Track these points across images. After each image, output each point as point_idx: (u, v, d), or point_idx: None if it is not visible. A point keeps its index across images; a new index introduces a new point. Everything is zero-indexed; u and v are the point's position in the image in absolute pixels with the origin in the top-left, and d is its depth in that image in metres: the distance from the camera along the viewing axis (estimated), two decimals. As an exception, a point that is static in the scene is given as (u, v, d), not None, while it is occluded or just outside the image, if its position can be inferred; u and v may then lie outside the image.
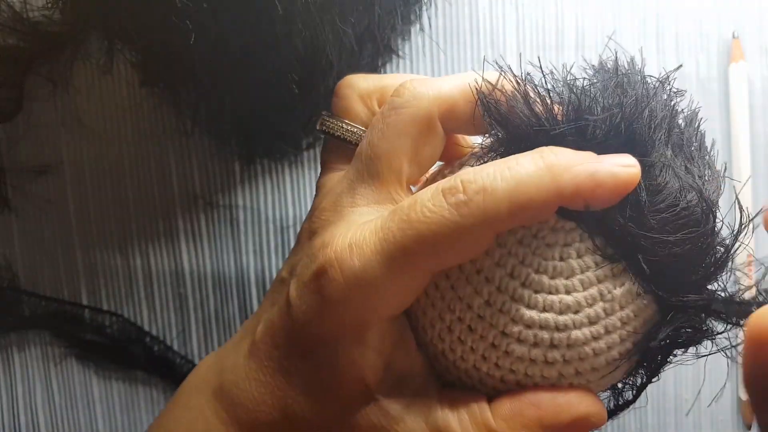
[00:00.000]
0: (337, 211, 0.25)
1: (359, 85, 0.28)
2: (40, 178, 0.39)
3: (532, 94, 0.24)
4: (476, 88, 0.24)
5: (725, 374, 0.39)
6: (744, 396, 0.40)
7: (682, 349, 0.25)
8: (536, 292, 0.23)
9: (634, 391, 0.27)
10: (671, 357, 0.25)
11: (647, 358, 0.25)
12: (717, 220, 0.23)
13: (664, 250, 0.22)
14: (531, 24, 0.40)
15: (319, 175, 0.29)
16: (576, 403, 0.24)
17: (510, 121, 0.24)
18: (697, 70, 0.40)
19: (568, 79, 0.24)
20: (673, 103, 0.24)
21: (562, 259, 0.23)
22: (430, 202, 0.22)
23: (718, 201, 0.24)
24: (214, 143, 0.39)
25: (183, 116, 0.38)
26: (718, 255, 0.23)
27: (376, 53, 0.37)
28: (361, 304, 0.23)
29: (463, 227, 0.22)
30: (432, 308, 0.25)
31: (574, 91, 0.23)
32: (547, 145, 0.23)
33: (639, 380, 0.26)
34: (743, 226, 0.24)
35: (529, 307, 0.23)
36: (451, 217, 0.22)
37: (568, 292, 0.23)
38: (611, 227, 0.23)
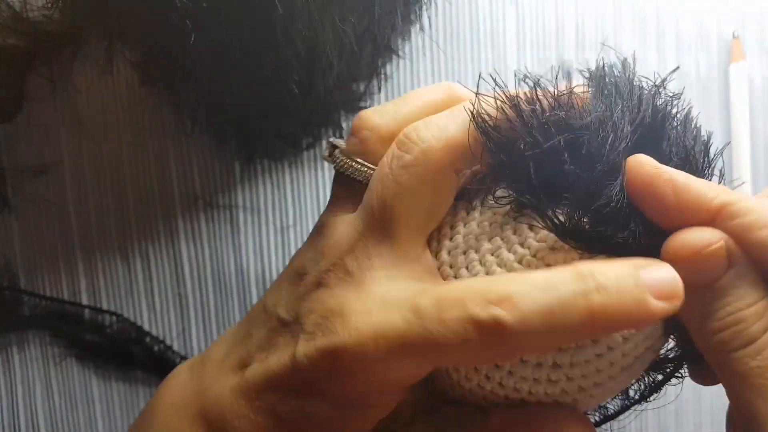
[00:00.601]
0: (350, 272, 0.24)
1: (378, 124, 0.26)
2: (40, 178, 0.39)
3: (525, 112, 0.23)
4: (471, 112, 0.23)
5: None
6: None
7: (684, 365, 0.25)
8: None
9: (640, 395, 0.27)
10: (675, 372, 0.25)
11: (651, 369, 0.25)
12: None
13: None
14: (531, 24, 0.40)
15: (326, 209, 0.28)
16: (566, 428, 0.24)
17: (506, 142, 0.23)
18: (697, 70, 0.40)
19: (557, 94, 0.23)
20: (668, 107, 0.24)
21: None
22: (460, 326, 0.21)
23: None
24: (214, 143, 0.39)
25: (183, 116, 0.38)
26: None
27: (376, 53, 0.37)
28: (378, 387, 0.23)
29: (489, 352, 0.21)
30: None
31: (562, 105, 0.23)
32: (538, 162, 0.22)
33: (641, 387, 0.26)
34: None
35: None
36: (479, 348, 0.21)
37: None
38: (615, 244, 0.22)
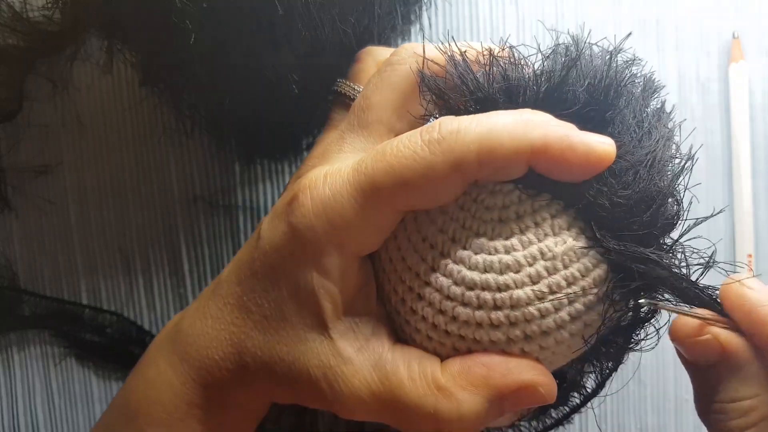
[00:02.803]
0: (323, 157, 0.26)
1: (379, 53, 0.30)
2: (40, 178, 0.39)
3: (462, 65, 0.24)
4: (418, 69, 0.25)
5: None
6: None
7: (641, 326, 0.24)
8: (476, 253, 0.23)
9: (601, 375, 0.27)
10: (632, 335, 0.25)
11: (607, 332, 0.24)
12: (668, 177, 0.23)
13: (611, 198, 0.22)
14: (531, 24, 0.40)
15: (321, 133, 0.30)
16: (526, 369, 0.23)
17: (445, 92, 0.25)
18: (697, 70, 0.40)
19: (499, 49, 0.25)
20: (615, 65, 0.24)
21: (501, 220, 0.24)
22: (407, 138, 0.23)
23: (670, 157, 0.24)
24: (214, 143, 0.39)
25: (183, 116, 0.37)
26: (668, 208, 0.23)
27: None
28: (326, 232, 0.23)
29: (432, 165, 0.22)
30: (388, 282, 0.25)
31: (499, 60, 0.24)
32: (479, 112, 0.24)
33: (604, 361, 0.26)
34: (684, 168, 0.24)
35: (470, 268, 0.23)
36: (422, 153, 0.22)
37: (507, 252, 0.23)
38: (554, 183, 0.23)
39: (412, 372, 0.24)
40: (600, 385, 0.27)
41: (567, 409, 0.28)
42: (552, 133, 0.22)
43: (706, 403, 0.24)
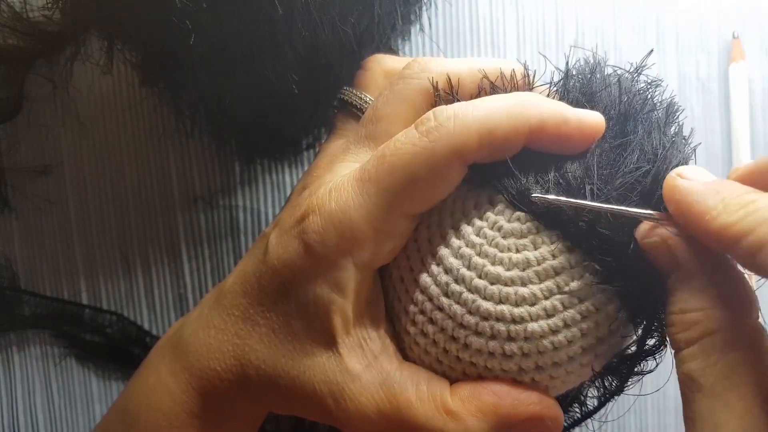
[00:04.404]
0: (329, 169, 0.26)
1: (386, 62, 0.30)
2: (40, 178, 0.39)
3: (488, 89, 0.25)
4: (434, 87, 0.25)
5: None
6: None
7: (651, 356, 0.24)
8: (492, 283, 0.23)
9: (604, 398, 0.26)
10: (641, 364, 0.25)
11: (616, 358, 0.25)
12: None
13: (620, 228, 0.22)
14: (531, 24, 0.40)
15: (325, 140, 0.30)
16: (535, 401, 0.24)
17: None
18: (697, 70, 0.40)
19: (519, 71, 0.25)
20: (632, 85, 0.24)
21: (518, 251, 0.23)
22: (402, 135, 0.23)
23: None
24: (214, 143, 0.39)
25: (183, 116, 0.37)
26: None
27: (376, 53, 0.37)
28: (339, 246, 0.23)
29: (433, 152, 0.22)
30: (399, 302, 0.25)
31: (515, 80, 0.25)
32: None
33: (609, 385, 0.26)
34: None
35: (485, 298, 0.23)
36: (421, 143, 0.22)
37: (523, 284, 0.23)
38: (568, 216, 0.23)
39: (420, 393, 0.24)
40: (601, 404, 0.27)
41: (568, 422, 0.28)
42: (547, 110, 0.23)
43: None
